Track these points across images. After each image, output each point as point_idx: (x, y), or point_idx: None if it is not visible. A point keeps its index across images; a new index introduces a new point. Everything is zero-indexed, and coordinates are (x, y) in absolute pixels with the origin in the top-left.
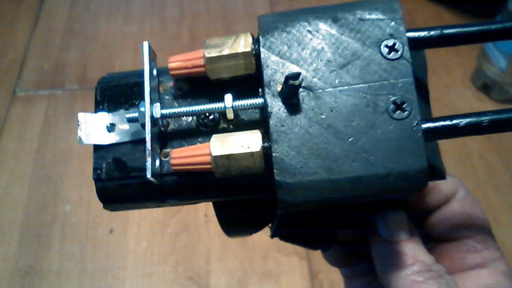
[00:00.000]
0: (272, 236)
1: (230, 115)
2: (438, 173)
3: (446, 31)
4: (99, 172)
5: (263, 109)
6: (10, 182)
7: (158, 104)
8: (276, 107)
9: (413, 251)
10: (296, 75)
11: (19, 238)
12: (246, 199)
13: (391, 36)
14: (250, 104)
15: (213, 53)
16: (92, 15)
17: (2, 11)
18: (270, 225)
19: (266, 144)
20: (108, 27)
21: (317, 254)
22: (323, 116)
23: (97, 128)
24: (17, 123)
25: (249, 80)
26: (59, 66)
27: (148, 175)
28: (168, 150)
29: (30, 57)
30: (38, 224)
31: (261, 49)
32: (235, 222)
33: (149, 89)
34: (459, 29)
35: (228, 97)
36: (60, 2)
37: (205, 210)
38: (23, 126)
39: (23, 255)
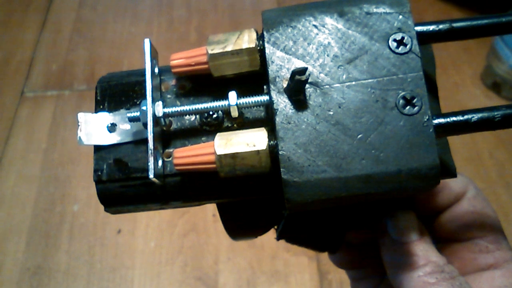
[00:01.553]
0: (278, 238)
1: (234, 113)
2: (449, 171)
3: (455, 25)
4: (99, 173)
5: (269, 106)
6: (18, 182)
7: (160, 103)
8: (282, 103)
9: (424, 251)
10: (303, 70)
11: (27, 238)
12: (251, 200)
13: (399, 30)
14: (255, 102)
15: (216, 49)
16: (99, 15)
17: (10, 12)
18: (276, 227)
19: (272, 142)
20: (116, 27)
21: (326, 254)
22: (331, 113)
23: (97, 128)
24: (26, 124)
25: (254, 77)
26: (67, 66)
27: (151, 176)
28: (170, 150)
29: (38, 58)
30: (47, 224)
31: (266, 45)
32: (240, 225)
33: (151, 87)
34: (468, 23)
35: (233, 94)
36: (68, 3)
37: (213, 210)
38: (32, 126)
39: (31, 255)
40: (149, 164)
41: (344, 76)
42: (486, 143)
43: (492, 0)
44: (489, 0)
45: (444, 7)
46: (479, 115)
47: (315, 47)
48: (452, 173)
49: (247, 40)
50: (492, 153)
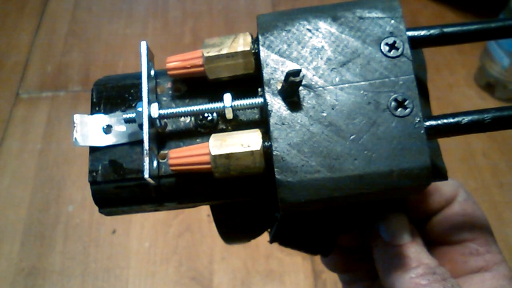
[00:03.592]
0: (271, 241)
1: (229, 115)
2: (440, 173)
3: (446, 30)
4: (94, 174)
5: (263, 108)
6: (13, 183)
7: (156, 104)
8: (276, 105)
9: (416, 253)
10: (297, 72)
11: (22, 239)
12: (245, 203)
13: (391, 34)
14: (249, 104)
15: (211, 52)
16: (94, 17)
17: (5, 13)
18: (269, 230)
19: (266, 143)
20: (111, 28)
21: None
22: (324, 114)
23: (93, 129)
24: (20, 125)
25: (248, 80)
26: (62, 68)
27: (146, 176)
28: (165, 151)
29: (33, 59)
30: (41, 224)
31: (261, 48)
32: (234, 228)
33: (147, 88)
34: (459, 28)
35: (227, 96)
36: (63, 4)
37: (208, 210)
38: (26, 127)
39: (26, 255)
40: (144, 164)
41: (337, 79)
42: (479, 143)
43: (484, 2)
44: (482, 2)
45: (437, 8)
46: (470, 117)
47: (309, 50)
48: (443, 176)
49: (242, 43)
50: (485, 153)
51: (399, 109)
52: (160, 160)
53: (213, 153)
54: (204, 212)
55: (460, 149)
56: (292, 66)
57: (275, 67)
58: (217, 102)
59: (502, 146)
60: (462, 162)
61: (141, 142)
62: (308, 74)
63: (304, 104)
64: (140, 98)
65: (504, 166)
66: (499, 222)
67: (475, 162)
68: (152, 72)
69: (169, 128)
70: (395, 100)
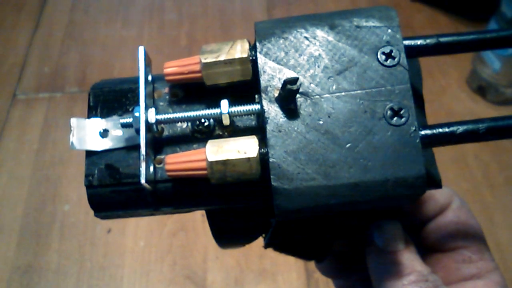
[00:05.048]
0: (266, 246)
1: (226, 121)
2: (434, 181)
3: (442, 39)
4: (91, 178)
5: (260, 115)
6: (10, 182)
7: (153, 109)
8: (273, 112)
9: (409, 261)
10: (294, 80)
11: (18, 237)
12: (240, 208)
13: (388, 43)
14: (246, 110)
15: (209, 58)
16: (91, 19)
17: (3, 15)
18: (264, 235)
19: (262, 149)
20: (107, 31)
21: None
22: (321, 122)
23: (90, 133)
24: (17, 125)
25: (245, 87)
26: (59, 69)
27: (142, 181)
28: (162, 156)
29: (31, 60)
30: (37, 223)
31: (258, 55)
32: (229, 233)
33: (144, 93)
34: (455, 38)
35: (225, 102)
36: (60, 7)
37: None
38: (23, 128)
39: (22, 254)
40: (140, 169)
41: (334, 87)
42: (471, 145)
43: (476, 7)
44: (474, 6)
45: (430, 13)
46: (465, 127)
47: (306, 58)
48: (438, 184)
49: (239, 50)
50: (477, 155)
51: (395, 118)
52: (157, 165)
53: (209, 159)
54: (198, 211)
55: (451, 150)
56: (289, 73)
57: (273, 74)
58: (214, 108)
59: (494, 148)
60: (453, 163)
61: (137, 146)
62: (305, 82)
63: (301, 111)
64: (137, 103)
65: (495, 167)
66: (490, 223)
67: (467, 163)
68: (150, 77)
69: (165, 133)
70: (391, 109)
